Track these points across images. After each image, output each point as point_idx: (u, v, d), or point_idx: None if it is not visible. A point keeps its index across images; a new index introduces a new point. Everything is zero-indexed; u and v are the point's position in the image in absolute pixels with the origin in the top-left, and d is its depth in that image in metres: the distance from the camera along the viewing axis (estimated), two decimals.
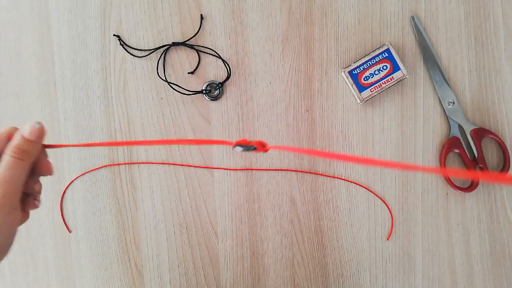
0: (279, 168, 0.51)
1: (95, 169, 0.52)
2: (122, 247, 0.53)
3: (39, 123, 0.32)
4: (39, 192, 0.36)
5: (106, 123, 0.52)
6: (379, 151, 0.51)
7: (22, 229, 0.53)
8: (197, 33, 0.51)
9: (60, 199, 0.53)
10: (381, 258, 0.52)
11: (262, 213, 0.52)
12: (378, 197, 0.51)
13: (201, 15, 0.51)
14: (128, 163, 0.52)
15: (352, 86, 0.49)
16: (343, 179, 0.51)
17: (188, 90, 0.51)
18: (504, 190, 0.51)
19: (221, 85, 0.51)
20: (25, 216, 0.34)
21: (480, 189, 0.51)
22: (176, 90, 0.51)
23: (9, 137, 0.31)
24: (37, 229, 0.53)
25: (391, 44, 0.49)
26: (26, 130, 0.31)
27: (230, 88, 0.51)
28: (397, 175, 0.51)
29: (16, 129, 0.32)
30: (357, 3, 0.50)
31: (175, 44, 0.51)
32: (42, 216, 0.53)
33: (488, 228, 0.51)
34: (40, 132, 0.32)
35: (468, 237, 0.51)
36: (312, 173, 0.51)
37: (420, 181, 0.51)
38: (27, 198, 0.34)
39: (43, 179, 0.53)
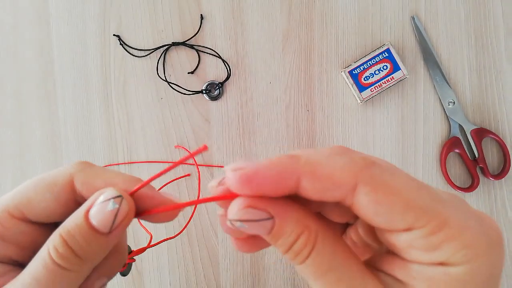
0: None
1: None
2: None
3: (119, 199, 0.17)
4: None
5: (106, 123, 0.52)
6: (379, 151, 0.51)
7: None
8: (197, 33, 0.51)
9: None
10: None
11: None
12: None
13: (201, 15, 0.51)
14: (128, 163, 0.52)
15: (352, 86, 0.49)
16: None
17: (188, 90, 0.51)
18: (504, 190, 0.51)
19: (221, 85, 0.51)
20: None
21: (480, 189, 0.51)
22: (176, 90, 0.51)
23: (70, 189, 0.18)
24: None
25: (391, 44, 0.49)
26: (93, 208, 0.17)
27: (230, 88, 0.51)
28: None
29: (79, 172, 0.19)
30: (357, 2, 0.50)
31: (175, 44, 0.51)
32: None
33: None
34: (113, 219, 0.17)
35: None
36: None
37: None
38: None
39: None
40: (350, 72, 0.49)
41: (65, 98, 0.52)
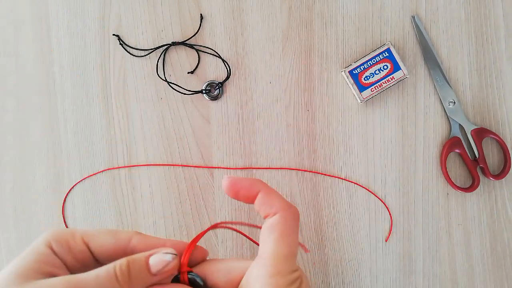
0: (279, 167, 0.51)
1: (96, 173, 0.52)
2: None
3: (174, 256, 0.25)
4: None
5: (105, 123, 0.52)
6: (379, 150, 0.51)
7: (23, 236, 0.52)
8: (196, 32, 0.51)
9: (62, 203, 0.52)
10: (381, 259, 0.52)
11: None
12: (378, 198, 0.51)
13: (201, 14, 0.51)
14: (128, 166, 0.52)
15: (352, 85, 0.49)
16: (343, 179, 0.51)
17: (188, 90, 0.51)
18: (505, 190, 0.51)
19: (221, 84, 0.51)
20: None
21: (480, 189, 0.51)
22: (176, 90, 0.51)
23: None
24: (38, 233, 0.53)
25: (391, 44, 0.48)
26: (155, 254, 0.25)
27: (230, 88, 0.51)
28: (398, 175, 0.51)
29: (137, 234, 0.26)
30: (358, 2, 0.50)
31: (174, 43, 0.51)
32: (43, 221, 0.53)
33: (489, 228, 0.51)
34: (163, 266, 0.25)
35: (468, 237, 0.51)
36: (312, 171, 0.51)
37: (420, 181, 0.51)
38: None
39: (43, 181, 0.53)
40: (350, 72, 0.49)
41: (65, 98, 0.52)
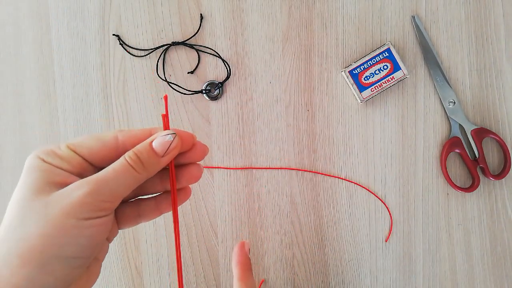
0: (279, 167, 0.51)
1: None
2: (122, 248, 0.52)
3: (174, 135, 0.27)
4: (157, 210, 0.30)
5: (105, 123, 0.52)
6: (379, 151, 0.51)
7: None
8: (196, 32, 0.51)
9: None
10: (381, 259, 0.51)
11: (262, 213, 0.51)
12: (378, 198, 0.51)
13: (201, 14, 0.51)
14: None
15: (352, 85, 0.49)
16: (343, 179, 0.51)
17: (188, 90, 0.51)
18: (505, 190, 0.51)
19: (221, 85, 0.51)
20: (114, 231, 0.28)
21: (481, 189, 0.51)
22: (176, 90, 0.51)
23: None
24: None
25: (391, 44, 0.48)
26: (156, 138, 0.27)
27: (230, 88, 0.51)
28: (398, 175, 0.51)
29: (157, 130, 0.28)
30: (358, 2, 0.50)
31: (174, 43, 0.51)
32: None
33: (489, 228, 0.51)
34: (168, 147, 0.26)
35: (469, 237, 0.51)
36: (312, 171, 0.51)
37: (420, 181, 0.51)
38: (135, 211, 0.29)
39: None
40: (350, 72, 0.49)
41: (65, 98, 0.52)
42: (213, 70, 0.51)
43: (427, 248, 0.51)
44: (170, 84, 0.51)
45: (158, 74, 0.51)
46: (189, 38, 0.51)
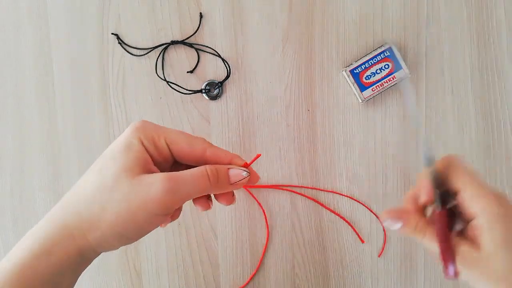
0: (278, 185, 0.51)
1: None
2: (121, 248, 0.52)
3: (248, 174, 0.32)
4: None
5: (104, 123, 0.51)
6: (380, 150, 0.51)
7: (21, 237, 0.52)
8: (196, 31, 0.50)
9: None
10: (382, 260, 0.51)
11: (262, 214, 0.51)
12: (374, 214, 0.51)
13: (201, 13, 0.50)
14: None
15: (353, 85, 0.48)
16: (344, 195, 0.51)
17: (187, 90, 0.50)
18: (506, 190, 0.50)
19: (220, 84, 0.50)
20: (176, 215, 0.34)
21: None
22: (175, 90, 0.50)
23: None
24: None
25: (392, 43, 0.48)
26: (235, 169, 0.31)
27: (230, 88, 0.51)
28: (399, 174, 0.51)
29: (237, 160, 0.32)
30: (359, 1, 0.50)
31: (174, 42, 0.50)
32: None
33: None
34: (239, 180, 0.31)
35: None
36: (312, 188, 0.51)
37: None
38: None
39: (42, 181, 0.52)
40: (351, 71, 0.48)
41: (64, 97, 0.52)
42: (212, 70, 0.51)
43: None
44: (170, 83, 0.50)
45: (157, 74, 0.51)
46: (189, 37, 0.50)
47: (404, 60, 0.49)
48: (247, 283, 0.51)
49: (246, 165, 0.32)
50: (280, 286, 0.52)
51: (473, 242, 0.28)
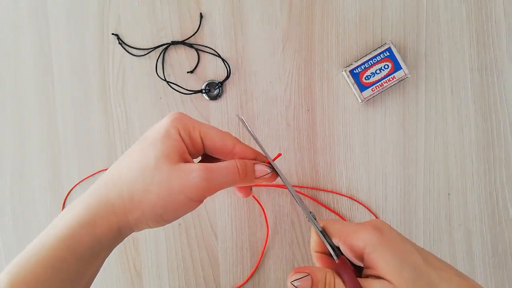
0: (278, 185, 0.51)
1: (95, 174, 0.52)
2: (121, 248, 0.52)
3: (272, 171, 0.34)
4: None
5: (104, 123, 0.51)
6: (380, 151, 0.51)
7: (22, 237, 0.52)
8: (196, 32, 0.50)
9: (61, 204, 0.52)
10: None
11: (262, 214, 0.51)
12: (373, 214, 0.51)
13: (201, 13, 0.50)
14: None
15: (353, 85, 0.48)
16: (344, 195, 0.51)
17: (187, 90, 0.50)
18: (506, 191, 0.50)
19: (220, 84, 0.50)
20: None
21: (481, 189, 0.50)
22: (175, 90, 0.50)
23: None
24: (37, 234, 0.53)
25: (392, 43, 0.48)
26: (260, 164, 0.34)
27: (230, 88, 0.51)
28: (399, 174, 0.51)
29: (262, 157, 0.35)
30: (358, 1, 0.50)
31: (174, 43, 0.50)
32: (42, 222, 0.52)
33: (490, 229, 0.51)
34: (263, 175, 0.34)
35: (470, 238, 0.51)
36: (312, 188, 0.51)
37: (422, 181, 0.51)
38: None
39: (42, 181, 0.52)
40: (351, 72, 0.48)
41: (64, 98, 0.52)
42: (212, 70, 0.51)
43: (428, 248, 0.51)
44: (170, 83, 0.50)
45: (157, 74, 0.51)
46: (189, 38, 0.50)
47: (404, 60, 0.49)
48: (246, 281, 0.51)
49: (268, 162, 0.35)
50: (280, 285, 0.52)
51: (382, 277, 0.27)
